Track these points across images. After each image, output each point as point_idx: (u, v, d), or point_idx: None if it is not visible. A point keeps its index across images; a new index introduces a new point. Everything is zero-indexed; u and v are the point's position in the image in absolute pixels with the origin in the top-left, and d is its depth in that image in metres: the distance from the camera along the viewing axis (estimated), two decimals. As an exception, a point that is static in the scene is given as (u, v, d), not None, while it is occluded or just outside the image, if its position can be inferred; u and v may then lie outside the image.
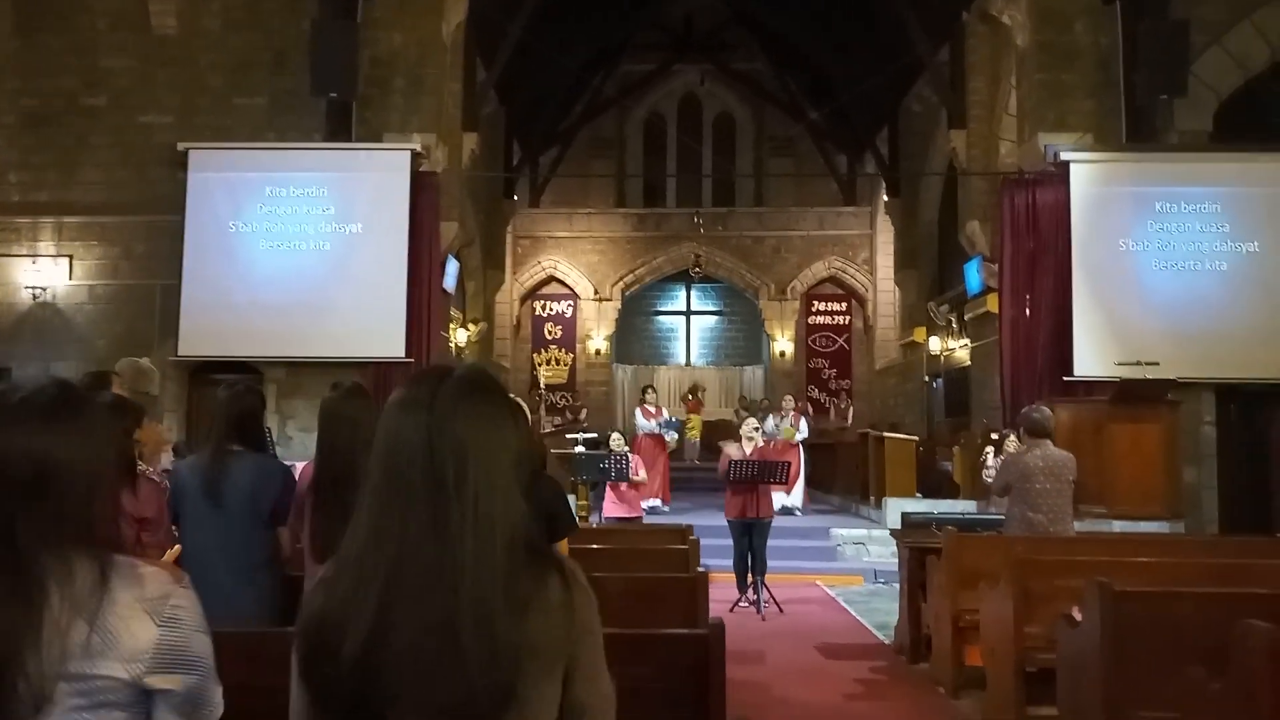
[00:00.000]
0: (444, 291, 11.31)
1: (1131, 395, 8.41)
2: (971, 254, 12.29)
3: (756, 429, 7.99)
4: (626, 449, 8.68)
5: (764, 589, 7.41)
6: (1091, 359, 9.17)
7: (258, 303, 9.62)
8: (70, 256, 10.09)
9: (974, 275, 12.20)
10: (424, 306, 10.02)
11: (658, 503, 10.93)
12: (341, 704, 1.18)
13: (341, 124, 9.99)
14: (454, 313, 13.93)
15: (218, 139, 9.95)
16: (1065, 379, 9.25)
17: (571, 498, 9.20)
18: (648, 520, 8.89)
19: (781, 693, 5.28)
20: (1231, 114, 10.01)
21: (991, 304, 11.83)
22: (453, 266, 12.04)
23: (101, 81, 10.21)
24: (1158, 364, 8.81)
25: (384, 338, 9.72)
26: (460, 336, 14.49)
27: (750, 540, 7.50)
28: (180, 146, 9.87)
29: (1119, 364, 8.93)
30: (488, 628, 1.15)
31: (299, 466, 3.49)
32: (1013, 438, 7.59)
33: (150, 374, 9.48)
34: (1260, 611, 2.99)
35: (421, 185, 10.05)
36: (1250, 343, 9.12)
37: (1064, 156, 9.69)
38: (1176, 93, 9.79)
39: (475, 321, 15.85)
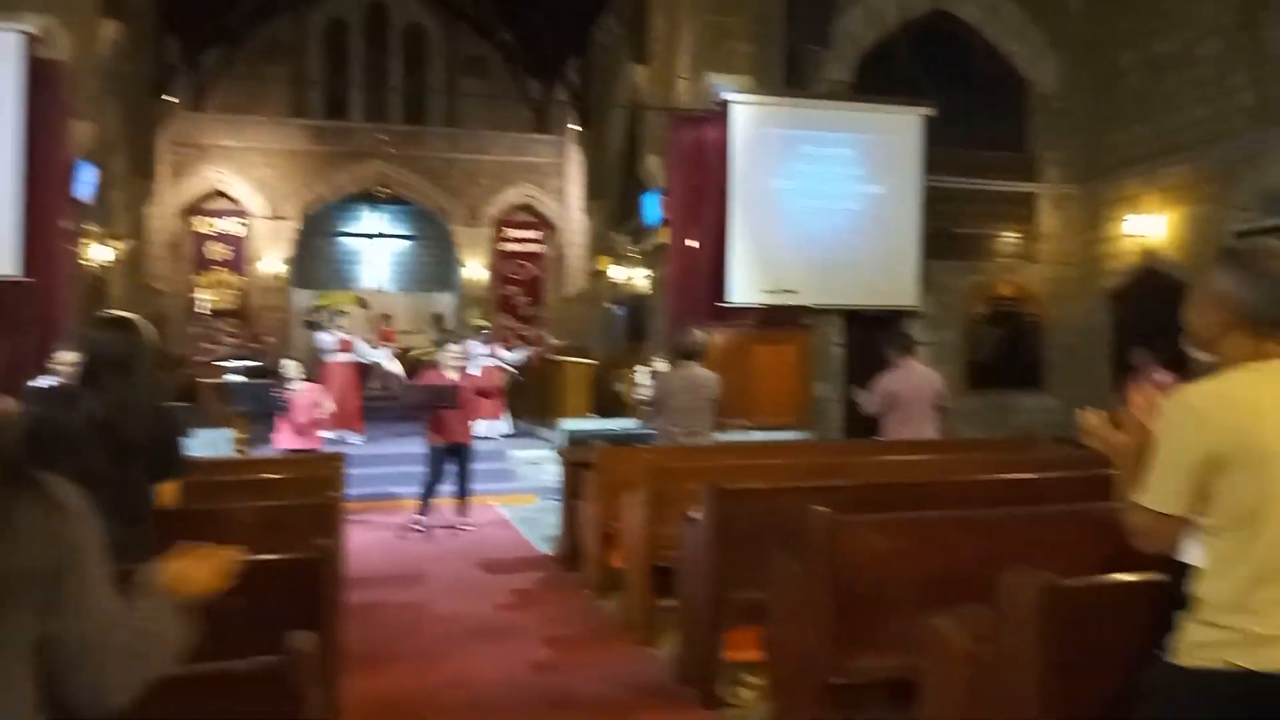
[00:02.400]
0: (74, 201, 9.88)
1: (773, 320, 9.34)
2: (649, 187, 12.85)
3: (460, 356, 7.93)
4: (303, 377, 8.21)
5: (433, 511, 7.45)
6: (743, 287, 10.01)
7: None
8: None
9: (651, 207, 12.78)
10: (48, 218, 8.71)
11: (348, 434, 10.51)
12: None
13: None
14: (93, 227, 12.21)
15: None
16: (720, 305, 10.03)
17: (228, 432, 8.61)
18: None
19: (436, 610, 5.36)
20: (871, 68, 11.21)
21: (664, 235, 12.52)
22: (90, 173, 10.51)
23: None
24: (796, 292, 9.81)
25: (-10, 251, 8.34)
26: (102, 254, 12.75)
27: (457, 465, 7.49)
28: None
29: (764, 291, 9.83)
30: None
31: None
32: (662, 359, 8.15)
33: None
34: (838, 501, 3.44)
35: (41, 77, 8.63)
36: (871, 273, 10.42)
37: (725, 97, 10.33)
38: (823, 44, 10.79)
39: (120, 238, 14.03)
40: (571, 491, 6.32)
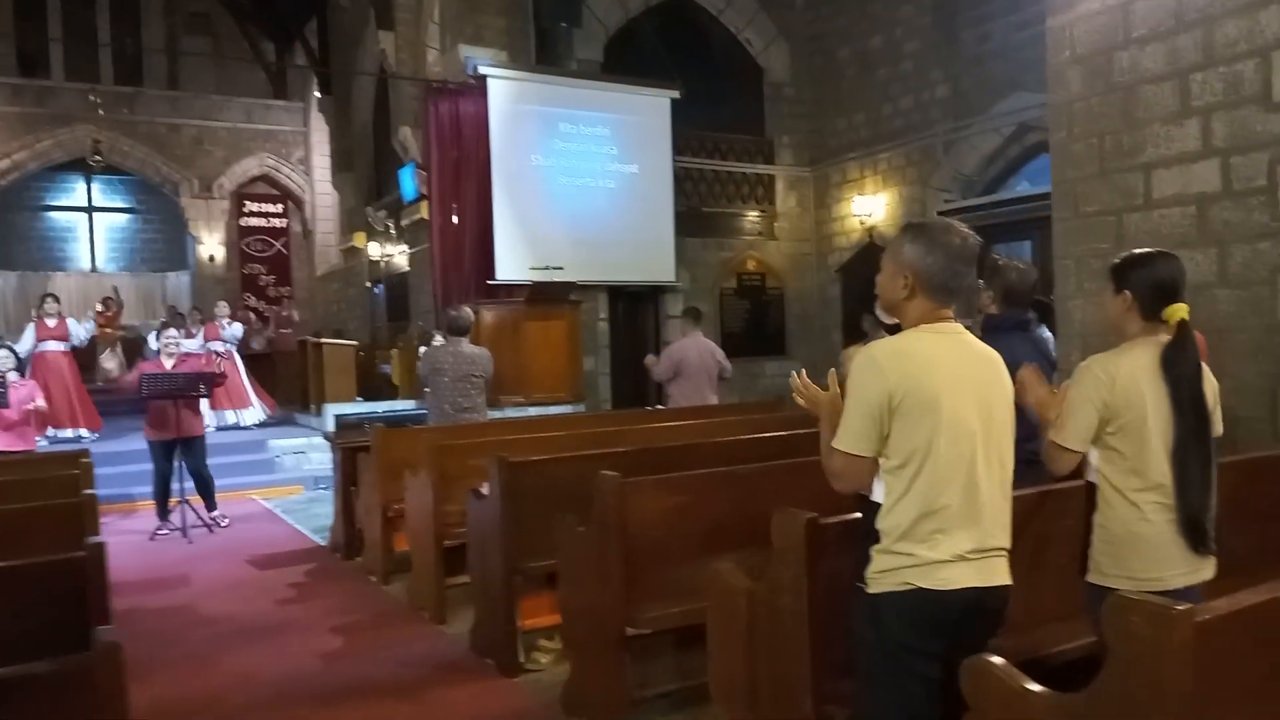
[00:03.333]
0: None
1: (541, 296, 9.49)
2: (405, 160, 12.50)
3: (175, 341, 7.30)
4: (12, 370, 7.26)
5: (191, 510, 6.94)
6: (511, 264, 10.07)
7: None
8: None
9: (408, 181, 12.44)
10: None
11: (82, 432, 9.42)
12: None
13: None
14: None
15: None
16: (489, 282, 10.03)
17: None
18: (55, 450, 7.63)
19: (206, 611, 5.05)
20: (619, 50, 11.56)
21: (425, 210, 12.24)
22: None
23: None
24: (562, 268, 10.03)
25: None
26: None
27: (185, 462, 6.93)
28: None
29: (532, 268, 9.96)
30: None
31: None
32: (438, 336, 8.07)
33: None
34: (617, 466, 3.66)
35: None
36: (631, 250, 10.85)
37: (481, 70, 10.27)
38: (573, 22, 10.99)
39: None
40: (346, 477, 6.14)
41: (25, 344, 9.16)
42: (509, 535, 4.07)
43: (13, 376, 7.05)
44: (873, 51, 11.62)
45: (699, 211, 11.83)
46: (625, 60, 11.48)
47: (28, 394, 6.99)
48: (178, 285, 17.91)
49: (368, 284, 15.72)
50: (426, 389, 6.73)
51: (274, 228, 17.75)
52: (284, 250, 17.84)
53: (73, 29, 16.99)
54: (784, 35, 12.58)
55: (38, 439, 7.51)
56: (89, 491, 3.56)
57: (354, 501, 6.07)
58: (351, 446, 6.13)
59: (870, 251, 11.44)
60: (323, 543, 6.58)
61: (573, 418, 7.67)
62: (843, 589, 2.57)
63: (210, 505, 7.19)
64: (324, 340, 10.64)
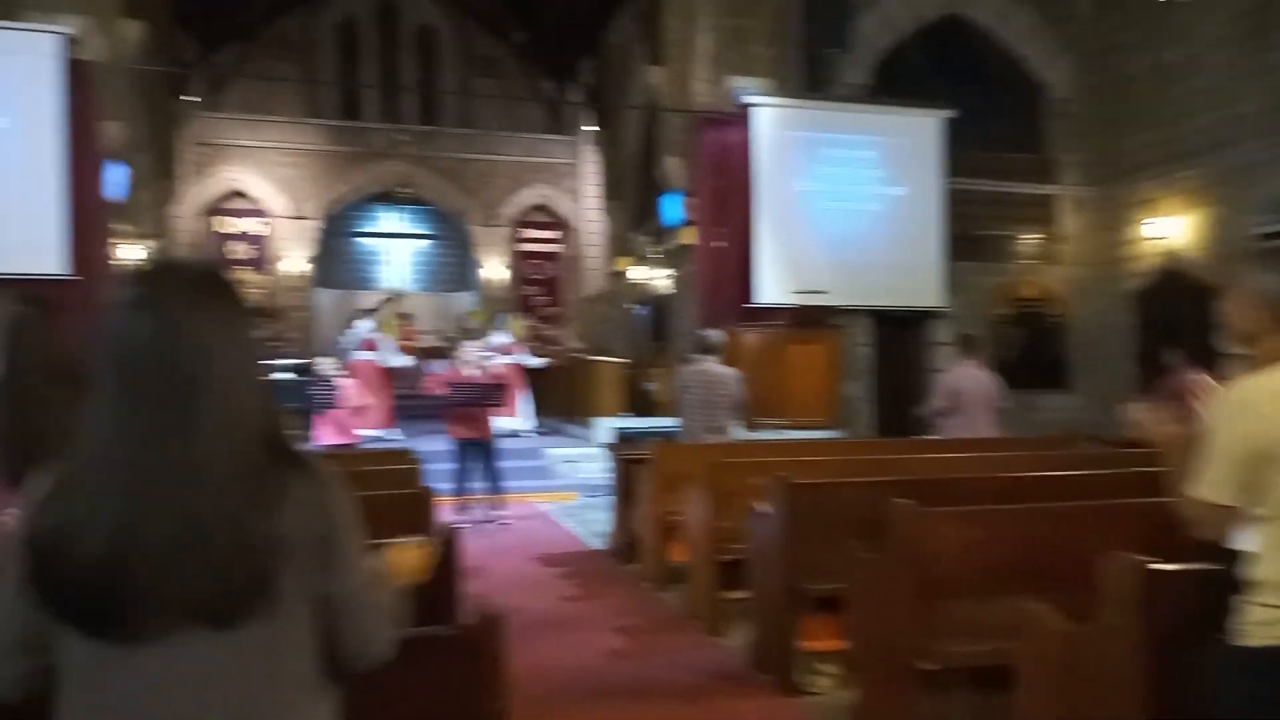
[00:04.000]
0: (108, 201, 10.02)
1: (803, 320, 9.51)
2: (669, 188, 13.01)
3: (477, 353, 8.05)
4: (339, 375, 8.37)
5: (499, 507, 7.63)
6: (772, 288, 10.17)
7: None
8: None
9: (672, 208, 12.93)
10: (89, 218, 8.86)
11: (382, 431, 10.63)
12: (84, 607, 1.16)
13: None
14: (124, 226, 12.35)
15: None
16: (750, 306, 10.19)
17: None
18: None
19: (502, 601, 5.48)
20: (888, 71, 11.38)
21: (687, 236, 12.68)
22: (121, 173, 10.66)
23: None
24: (825, 292, 9.98)
25: (38, 251, 8.48)
26: (133, 253, 12.89)
27: (481, 461, 7.63)
28: None
29: (794, 292, 10.00)
30: (235, 523, 1.17)
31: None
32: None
33: None
34: (901, 493, 3.62)
35: (78, 76, 8.77)
36: (897, 274, 10.59)
37: (746, 100, 10.49)
38: (843, 46, 10.96)
39: (148, 237, 14.16)
40: (624, 487, 6.47)
41: (356, 338, 10.40)
42: (790, 555, 4.12)
43: (339, 382, 8.11)
44: (1169, 65, 10.62)
45: (971, 235, 11.34)
46: (894, 81, 11.29)
47: (354, 396, 8.01)
48: (464, 304, 19.68)
49: (630, 306, 16.47)
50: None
51: (547, 252, 19.07)
52: (556, 273, 19.10)
53: (383, 75, 19.26)
54: (1067, 49, 11.82)
55: (360, 435, 8.57)
56: (424, 485, 4.02)
57: (630, 510, 6.38)
58: (629, 458, 6.45)
59: (1170, 278, 10.42)
60: (599, 547, 6.96)
61: (839, 443, 7.60)
62: (1179, 638, 2.41)
63: (497, 505, 7.83)
64: (596, 358, 11.26)
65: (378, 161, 17.87)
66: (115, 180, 10.25)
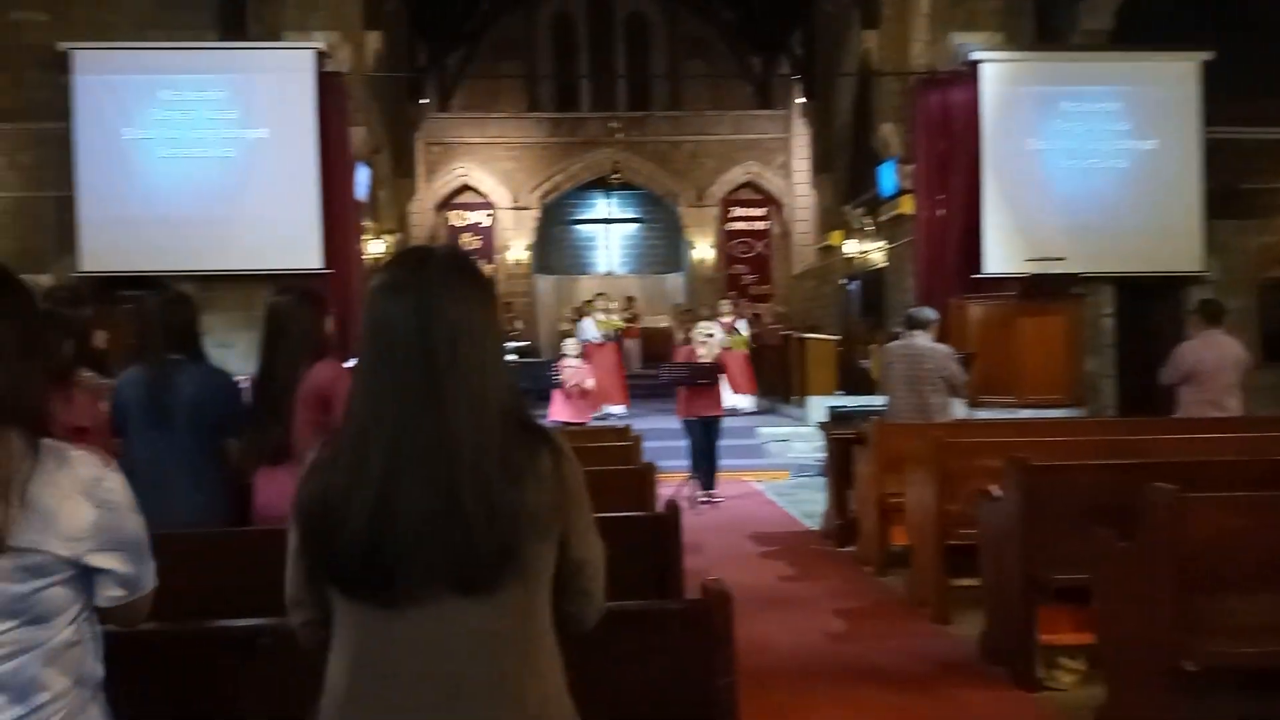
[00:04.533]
0: (357, 201, 10.97)
1: (1038, 290, 8.82)
2: (885, 156, 12.48)
3: (710, 335, 8.14)
4: (574, 356, 8.79)
5: (700, 483, 7.71)
6: (1001, 256, 9.52)
7: (161, 215, 9.17)
8: (-54, 168, 9.39)
9: (888, 177, 12.41)
10: (339, 216, 9.73)
11: (617, 409, 11.01)
12: (349, 572, 1.25)
13: (236, 21, 9.42)
14: (368, 223, 13.50)
15: (98, 37, 9.25)
16: (975, 277, 9.59)
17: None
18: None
19: (718, 577, 5.52)
20: (1130, 14, 10.28)
21: (905, 206, 12.10)
22: (364, 174, 11.64)
23: (-37, -26, 9.35)
24: (1063, 259, 9.20)
25: (299, 249, 9.41)
26: (376, 248, 14.09)
27: (705, 438, 7.74)
28: (60, 47, 9.16)
29: (1027, 260, 9.29)
30: (486, 493, 1.23)
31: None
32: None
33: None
34: (1152, 477, 3.27)
35: (327, 87, 9.62)
36: (1146, 237, 9.59)
37: (974, 56, 9.83)
38: (1076, -7, 10.01)
39: (390, 233, 15.42)
40: (838, 467, 6.31)
41: (587, 334, 10.88)
42: (1027, 543, 3.84)
43: (573, 362, 8.49)
44: None
45: (1234, 189, 10.05)
46: (1139, 25, 10.17)
47: (581, 375, 8.37)
48: (675, 285, 19.98)
49: (842, 281, 16.02)
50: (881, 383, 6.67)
51: (756, 230, 18.93)
52: (765, 251, 18.93)
53: (596, 66, 19.80)
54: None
55: (591, 414, 8.96)
56: (646, 461, 4.10)
57: (845, 491, 6.21)
58: (844, 438, 6.28)
59: None
60: (813, 527, 6.84)
61: (1078, 423, 7.02)
62: None
63: (710, 483, 7.87)
64: (807, 335, 11.06)
65: (591, 149, 18.43)
66: (360, 181, 11.21)
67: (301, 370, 3.11)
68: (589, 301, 11.68)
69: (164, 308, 3.33)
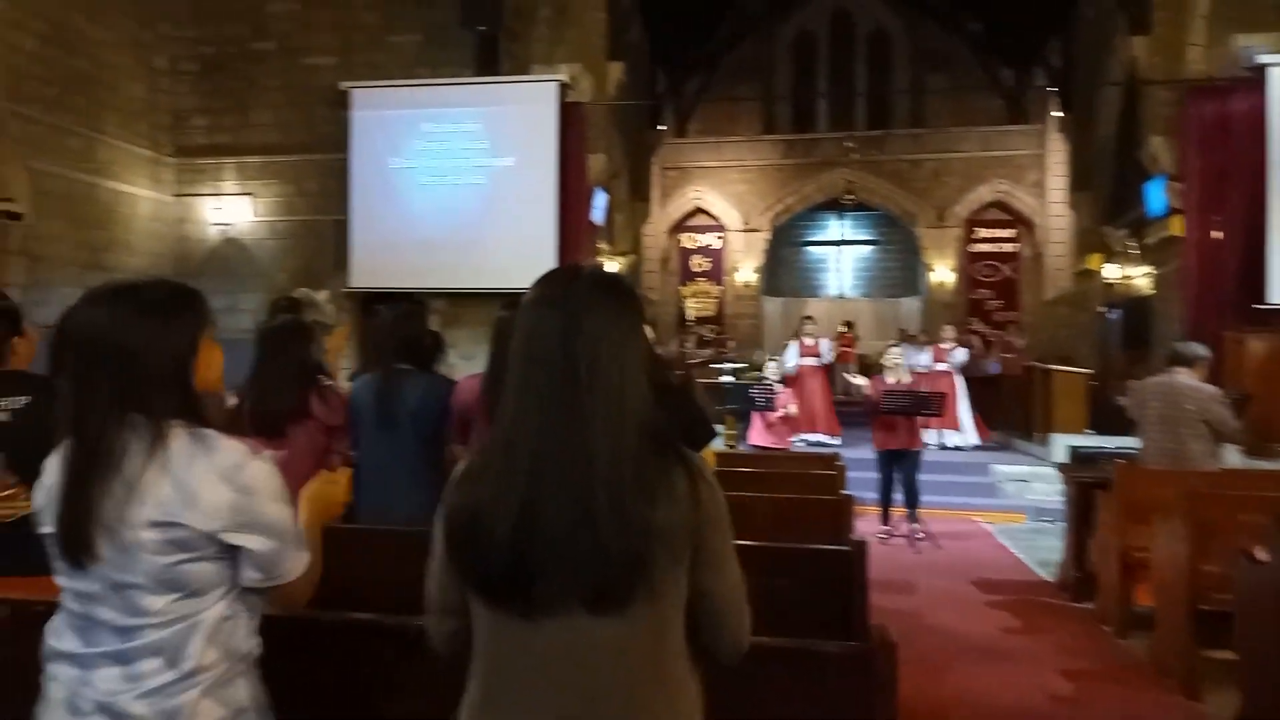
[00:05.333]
0: (592, 224, 11.46)
1: (1336, 323, 7.61)
2: (1153, 172, 11.32)
3: (899, 360, 7.69)
4: (779, 380, 8.63)
5: (916, 521, 7.29)
6: (1290, 284, 8.32)
7: (419, 237, 10.06)
8: (250, 195, 10.83)
9: (1156, 196, 11.22)
10: (573, 239, 10.19)
11: (823, 436, 10.72)
12: (492, 580, 1.28)
13: (490, 57, 10.16)
14: (603, 246, 14.07)
15: (375, 77, 10.32)
16: (1256, 307, 8.45)
17: (719, 427, 9.27)
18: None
19: (932, 621, 5.20)
20: None
21: (1175, 227, 10.90)
22: (601, 199, 12.15)
23: (268, 26, 10.76)
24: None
25: (537, 270, 9.82)
26: (609, 269, 14.67)
27: (902, 472, 7.35)
28: (341, 86, 10.32)
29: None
30: (620, 508, 1.23)
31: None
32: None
33: (317, 305, 10.18)
34: None
35: (569, 117, 10.14)
36: None
37: (1259, 60, 8.71)
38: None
39: (624, 254, 16.01)
40: (1078, 513, 5.74)
41: (790, 359, 10.69)
42: (1300, 616, 3.29)
43: (776, 387, 8.33)
44: None
45: None
46: None
47: (784, 400, 8.18)
48: (909, 309, 19.17)
49: (1101, 308, 14.65)
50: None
51: (1003, 252, 17.76)
52: (1012, 274, 17.71)
53: (835, 84, 19.49)
54: None
55: (791, 440, 8.70)
56: (845, 493, 3.93)
57: (1085, 540, 5.64)
58: (1085, 481, 5.71)
59: None
60: (1048, 578, 6.26)
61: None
62: None
63: (912, 516, 7.41)
64: (1053, 367, 10.18)
65: (825, 170, 18.13)
66: (597, 206, 11.71)
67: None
68: (803, 321, 11.40)
69: (395, 321, 3.62)
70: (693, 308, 18.34)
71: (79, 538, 1.38)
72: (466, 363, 9.56)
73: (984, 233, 17.83)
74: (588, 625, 1.25)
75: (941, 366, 10.79)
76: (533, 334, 1.31)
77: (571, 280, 1.35)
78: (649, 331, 3.31)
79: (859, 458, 9.47)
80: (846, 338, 16.72)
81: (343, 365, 5.79)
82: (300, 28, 10.66)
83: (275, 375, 3.35)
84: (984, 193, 17.67)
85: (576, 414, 1.26)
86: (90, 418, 1.41)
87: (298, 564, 1.52)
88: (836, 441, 10.67)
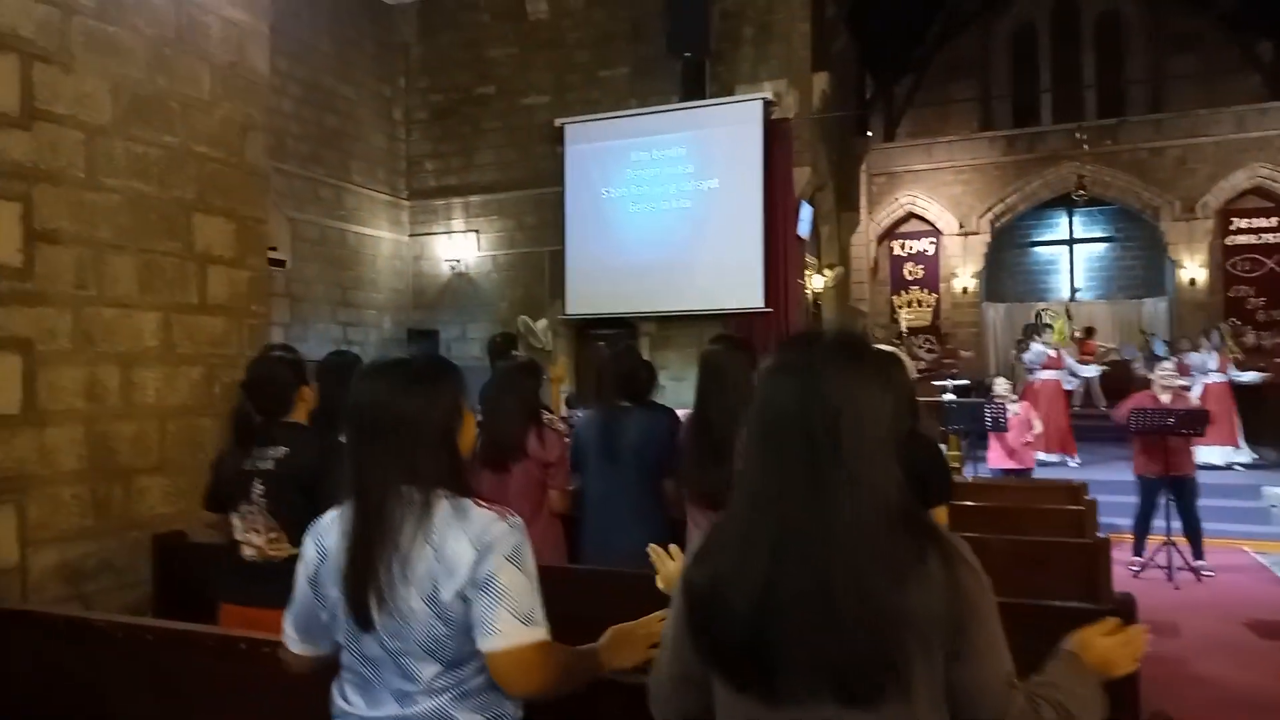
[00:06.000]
0: (799, 238, 11.31)
1: None
2: None
3: (1172, 373, 6.93)
4: (1013, 396, 8.11)
5: (1175, 552, 6.57)
6: None
7: (629, 263, 10.34)
8: (476, 231, 11.58)
9: None
10: (780, 255, 10.11)
11: (1062, 457, 9.97)
12: (732, 659, 1.24)
13: (696, 82, 10.29)
14: (809, 259, 13.84)
15: (587, 112, 10.74)
16: None
17: (941, 447, 8.82)
18: (1039, 474, 8.20)
19: (1199, 670, 4.66)
20: None
21: None
22: (806, 212, 11.96)
23: (489, 71, 11.48)
24: None
25: (744, 289, 9.98)
26: (816, 282, 14.39)
27: (1176, 501, 6.64)
28: (556, 123, 10.82)
29: None
30: (862, 593, 1.15)
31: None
32: None
33: (535, 333, 10.70)
34: None
35: (774, 134, 10.09)
36: None
37: None
38: None
39: (831, 266, 15.65)
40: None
41: (1035, 368, 9.93)
42: None
43: (1010, 403, 7.80)
44: None
45: None
46: None
47: (1025, 418, 7.63)
48: (1154, 311, 17.46)
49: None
50: None
51: (1266, 244, 15.79)
52: (1277, 268, 15.71)
53: (1059, 75, 18.14)
54: None
55: (1034, 461, 8.11)
56: (1101, 536, 3.59)
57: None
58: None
59: None
60: (1340, 622, 5.46)
61: None
62: None
63: (1197, 553, 6.68)
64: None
65: (1051, 165, 16.89)
66: (803, 218, 11.54)
67: (739, 416, 3.30)
68: (1038, 320, 10.57)
69: (615, 359, 3.72)
70: (906, 318, 17.62)
71: (362, 603, 1.48)
72: (676, 383, 9.73)
73: (1241, 223, 15.91)
74: (835, 718, 1.18)
75: (1218, 377, 9.71)
76: (772, 403, 1.26)
77: (812, 346, 1.28)
78: (905, 368, 3.17)
79: (1102, 479, 8.74)
80: (1088, 345, 15.42)
81: (563, 390, 6.05)
82: (518, 70, 11.30)
83: (505, 413, 3.53)
84: (1240, 179, 15.77)
85: (818, 490, 1.19)
86: (372, 487, 1.50)
87: (538, 632, 1.50)
88: (1075, 463, 9.85)
